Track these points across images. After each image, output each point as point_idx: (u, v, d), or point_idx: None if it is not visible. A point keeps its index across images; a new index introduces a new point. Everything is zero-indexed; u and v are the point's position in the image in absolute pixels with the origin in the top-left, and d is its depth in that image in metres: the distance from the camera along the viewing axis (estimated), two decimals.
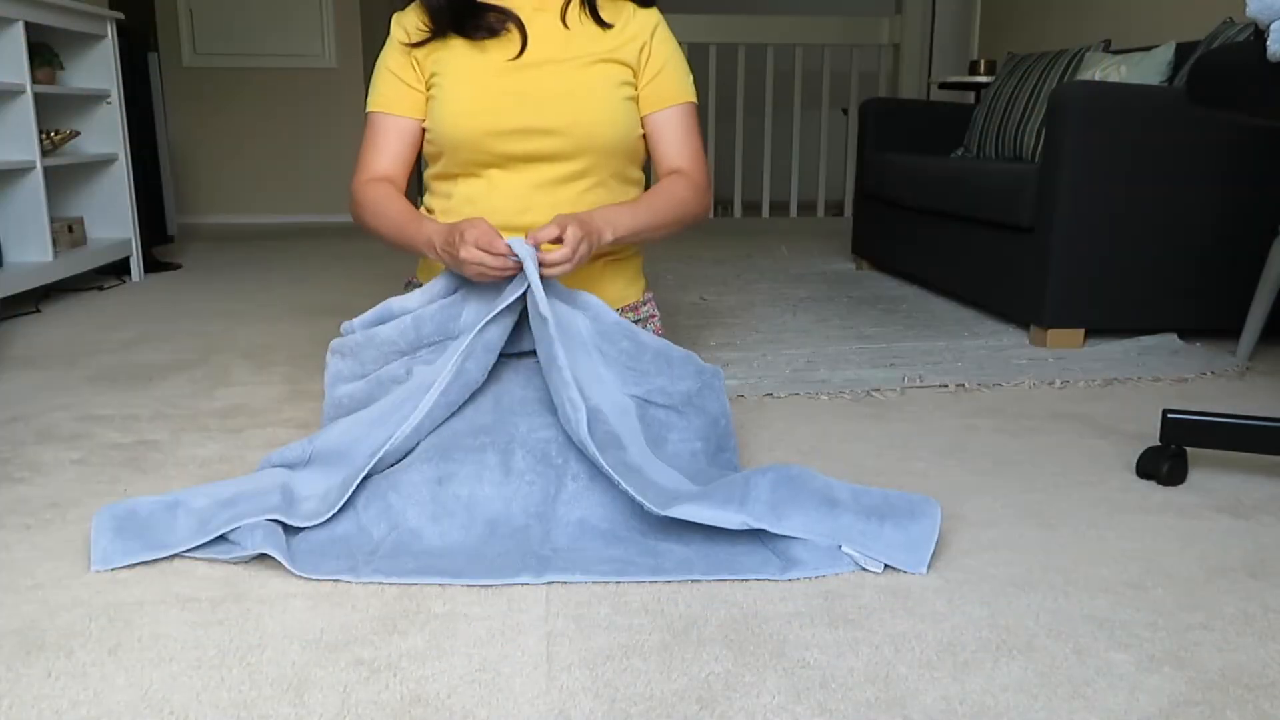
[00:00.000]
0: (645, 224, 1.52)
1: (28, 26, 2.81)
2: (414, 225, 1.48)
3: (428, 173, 1.67)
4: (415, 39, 1.59)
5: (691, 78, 1.66)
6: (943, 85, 4.20)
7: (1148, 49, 2.84)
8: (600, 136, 1.56)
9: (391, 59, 1.61)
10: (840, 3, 6.47)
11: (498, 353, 1.34)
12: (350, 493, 1.20)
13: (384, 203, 1.55)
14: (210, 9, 5.18)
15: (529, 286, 1.28)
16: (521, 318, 1.37)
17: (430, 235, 1.42)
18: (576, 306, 1.42)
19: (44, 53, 3.10)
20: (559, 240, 1.33)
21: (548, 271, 1.31)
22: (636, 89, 1.61)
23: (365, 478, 1.23)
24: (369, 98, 1.64)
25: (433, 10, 1.57)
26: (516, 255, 1.29)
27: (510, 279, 1.33)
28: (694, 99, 1.65)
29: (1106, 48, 3.05)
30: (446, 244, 1.37)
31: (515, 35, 1.57)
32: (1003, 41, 4.40)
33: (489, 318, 1.30)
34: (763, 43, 5.30)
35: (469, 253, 1.31)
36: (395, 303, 1.45)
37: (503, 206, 1.57)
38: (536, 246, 1.31)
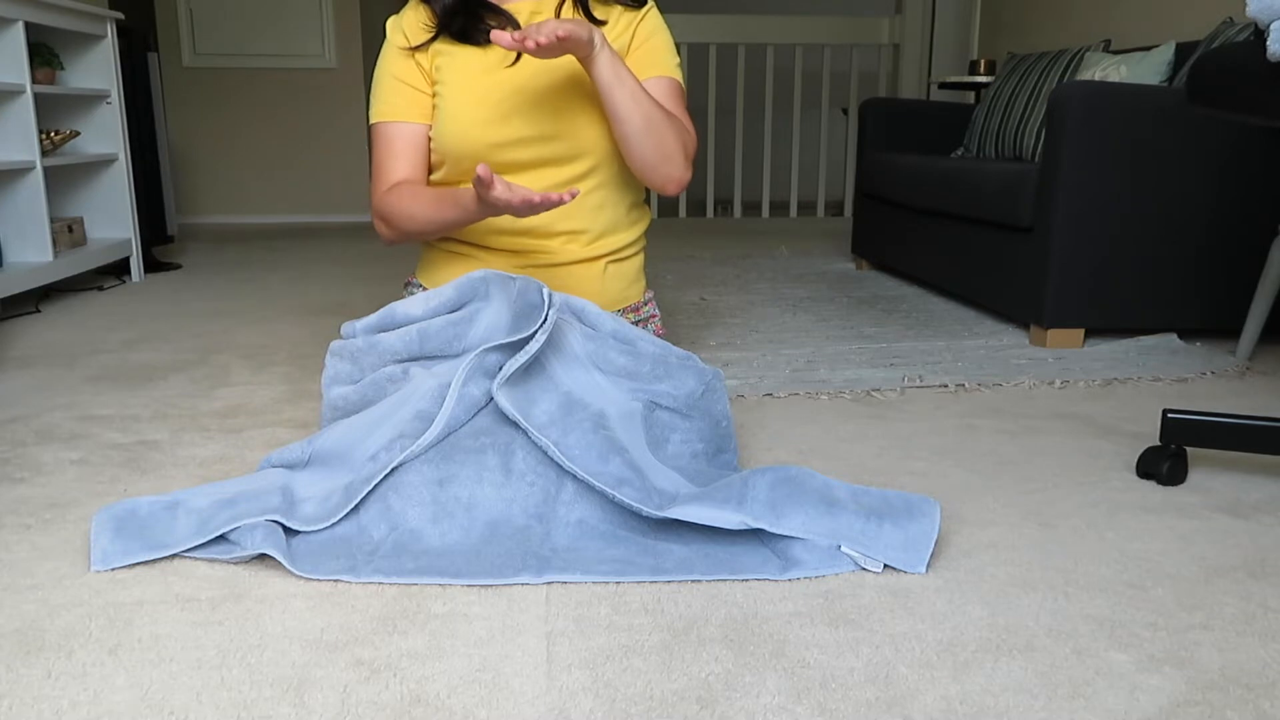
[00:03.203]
0: (637, 92, 1.46)
1: (28, 26, 2.81)
2: (449, 198, 1.47)
3: (430, 178, 1.67)
4: (416, 40, 1.58)
5: (678, 61, 1.65)
6: (943, 85, 4.20)
7: (1148, 49, 2.84)
8: (602, 140, 1.56)
9: (394, 65, 1.59)
10: (840, 3, 6.48)
11: (495, 373, 1.33)
12: (356, 502, 1.19)
13: (413, 195, 1.53)
14: (210, 9, 5.18)
15: (534, 340, 1.28)
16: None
17: (468, 197, 1.41)
18: (571, 315, 1.41)
19: (44, 53, 3.10)
20: (555, 40, 1.34)
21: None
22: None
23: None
24: (374, 108, 1.61)
25: (442, 11, 1.56)
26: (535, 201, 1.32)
27: (528, 302, 1.33)
28: (680, 79, 1.64)
29: (1106, 48, 3.05)
30: (477, 194, 1.38)
31: None
32: (1003, 41, 4.41)
33: (490, 345, 1.29)
34: (763, 43, 5.30)
35: (499, 190, 1.32)
36: (399, 308, 1.44)
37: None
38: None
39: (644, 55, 1.60)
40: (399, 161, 1.59)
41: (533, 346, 1.26)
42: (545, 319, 1.28)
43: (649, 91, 1.57)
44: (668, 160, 1.52)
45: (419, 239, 1.60)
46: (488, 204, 1.36)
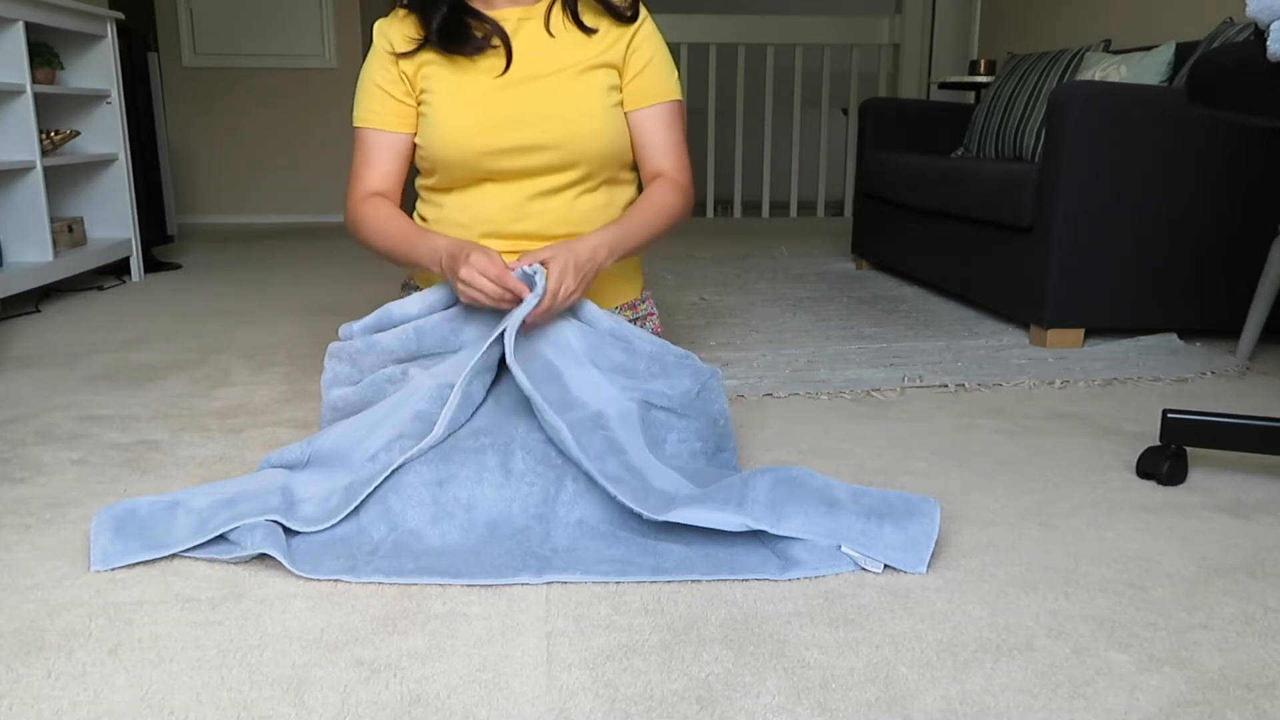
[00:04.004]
0: (640, 238, 1.52)
1: (28, 26, 2.81)
2: (420, 239, 1.47)
3: (419, 182, 1.66)
4: (402, 49, 1.57)
5: (676, 75, 1.65)
6: (943, 85, 4.20)
7: (1148, 49, 2.84)
8: (594, 148, 1.55)
9: (377, 72, 1.58)
10: (840, 3, 6.48)
11: (495, 369, 1.34)
12: (356, 504, 1.19)
13: (385, 221, 1.54)
14: (210, 9, 5.18)
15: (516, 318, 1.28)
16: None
17: (438, 248, 1.42)
18: (569, 312, 1.41)
19: (44, 53, 3.10)
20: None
21: (539, 313, 1.33)
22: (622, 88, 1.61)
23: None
24: (356, 112, 1.62)
25: (429, 21, 1.54)
26: (513, 293, 1.31)
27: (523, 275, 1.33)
28: (678, 97, 1.64)
29: (1106, 48, 3.05)
30: (451, 258, 1.37)
31: (502, 49, 1.55)
32: (1003, 41, 4.40)
33: (491, 340, 1.29)
34: (763, 43, 5.30)
35: (468, 273, 1.32)
36: (395, 308, 1.45)
37: (496, 215, 1.57)
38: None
39: (644, 81, 1.60)
40: (374, 171, 1.60)
41: (530, 304, 1.28)
42: (536, 288, 1.30)
43: (650, 122, 1.61)
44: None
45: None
46: (455, 269, 1.37)
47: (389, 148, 1.60)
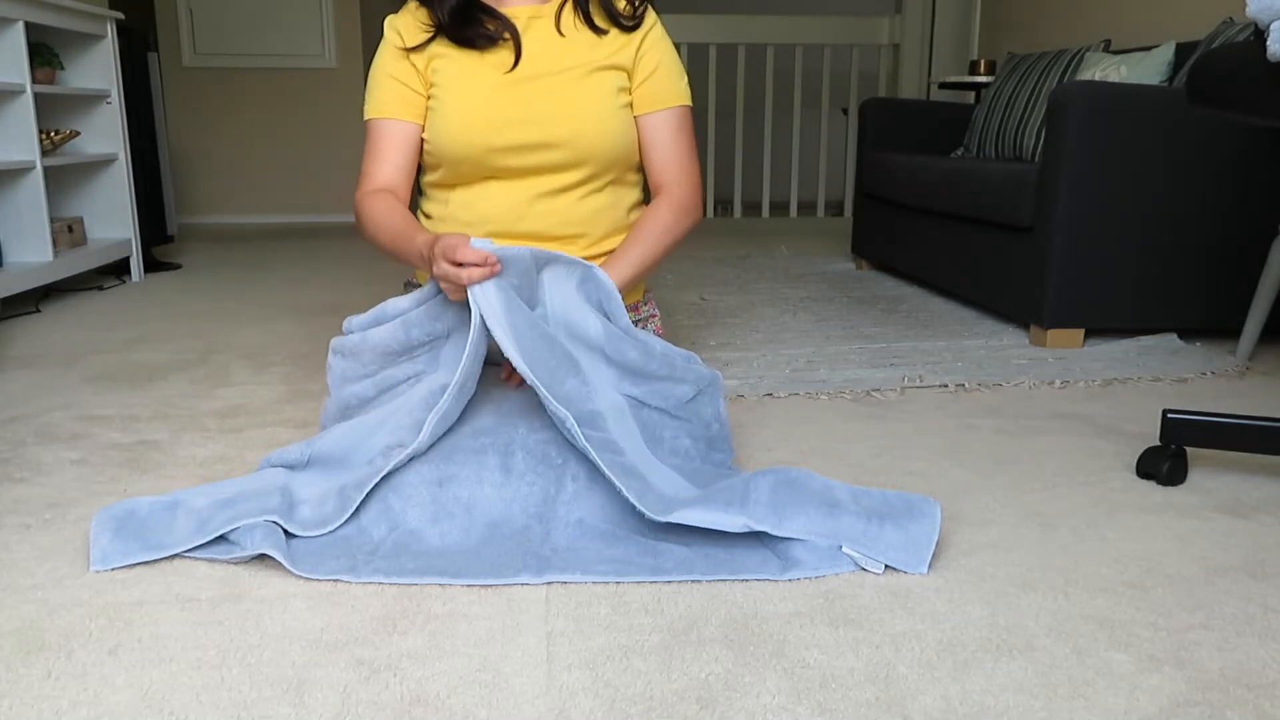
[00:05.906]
0: (643, 265, 1.54)
1: (28, 26, 2.81)
2: (409, 238, 1.45)
3: (425, 179, 1.66)
4: (412, 42, 1.57)
5: (686, 80, 1.65)
6: (943, 85, 4.20)
7: (1148, 49, 2.84)
8: (600, 148, 1.55)
9: (390, 63, 1.58)
10: (840, 3, 6.48)
11: (483, 358, 1.32)
12: (351, 511, 1.19)
13: (385, 215, 1.52)
14: (210, 9, 5.18)
15: (496, 299, 1.26)
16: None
17: (420, 246, 1.39)
18: (597, 299, 1.39)
19: (44, 53, 3.10)
20: None
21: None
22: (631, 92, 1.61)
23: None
24: (367, 104, 1.61)
25: (442, 14, 1.54)
26: (475, 262, 1.25)
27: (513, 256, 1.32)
28: (687, 101, 1.63)
29: (1106, 48, 3.05)
30: (430, 250, 1.32)
31: (511, 45, 1.55)
32: (1003, 41, 4.40)
33: (473, 336, 1.27)
34: (763, 43, 5.30)
35: (439, 268, 1.27)
36: (391, 304, 1.44)
37: (500, 214, 1.57)
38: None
39: (651, 89, 1.59)
40: (384, 164, 1.58)
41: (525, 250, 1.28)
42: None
43: (658, 127, 1.60)
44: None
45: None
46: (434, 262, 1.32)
47: (399, 137, 1.59)
